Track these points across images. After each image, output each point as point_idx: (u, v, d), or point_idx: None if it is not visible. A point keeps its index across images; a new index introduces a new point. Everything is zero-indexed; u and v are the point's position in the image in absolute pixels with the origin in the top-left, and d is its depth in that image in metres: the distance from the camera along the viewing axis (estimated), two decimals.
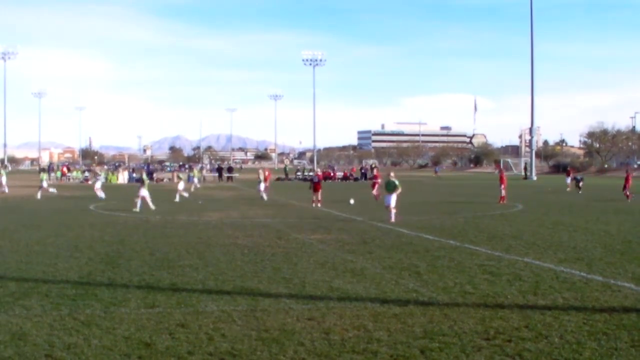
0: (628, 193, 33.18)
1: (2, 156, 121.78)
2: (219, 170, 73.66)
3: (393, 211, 21.99)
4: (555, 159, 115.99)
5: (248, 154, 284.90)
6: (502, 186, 32.14)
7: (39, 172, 48.92)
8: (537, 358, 6.96)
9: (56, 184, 59.77)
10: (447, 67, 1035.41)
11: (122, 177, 68.49)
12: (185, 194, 36.17)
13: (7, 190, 37.01)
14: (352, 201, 30.87)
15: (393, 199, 22.11)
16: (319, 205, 29.23)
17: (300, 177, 71.85)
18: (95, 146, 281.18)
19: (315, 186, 30.72)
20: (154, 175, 69.71)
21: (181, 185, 37.05)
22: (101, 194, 33.78)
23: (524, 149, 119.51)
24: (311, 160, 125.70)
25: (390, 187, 22.54)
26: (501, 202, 31.16)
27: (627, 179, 33.89)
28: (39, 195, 35.74)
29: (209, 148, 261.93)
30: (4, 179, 40.18)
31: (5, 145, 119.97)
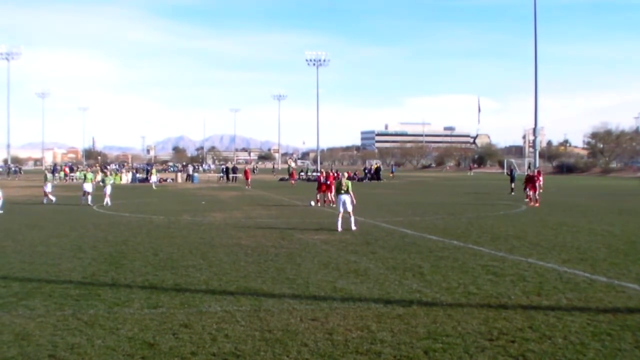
0: (528, 194, 32.52)
1: (5, 156, 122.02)
2: (226, 170, 73.65)
3: (352, 218, 19.70)
4: (559, 160, 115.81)
5: (251, 154, 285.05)
6: (532, 187, 31.02)
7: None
8: (540, 359, 6.95)
9: (60, 184, 59.98)
10: (451, 68, 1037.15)
11: (126, 178, 68.73)
12: (53, 198, 33.50)
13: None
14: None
15: (348, 202, 19.61)
16: (331, 205, 29.27)
17: (304, 177, 71.83)
18: (99, 146, 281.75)
19: (322, 187, 30.77)
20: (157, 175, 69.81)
21: (48, 188, 34.42)
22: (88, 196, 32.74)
23: (527, 149, 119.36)
24: (315, 161, 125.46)
25: (343, 189, 19.91)
26: (532, 204, 30.05)
27: (527, 180, 33.11)
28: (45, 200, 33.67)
29: (212, 148, 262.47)
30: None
31: (8, 146, 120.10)
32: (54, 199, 33.26)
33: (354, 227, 19.31)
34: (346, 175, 22.84)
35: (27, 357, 7.07)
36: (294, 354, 7.14)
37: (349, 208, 19.57)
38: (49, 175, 35.18)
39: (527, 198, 32.14)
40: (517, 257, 13.84)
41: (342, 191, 19.84)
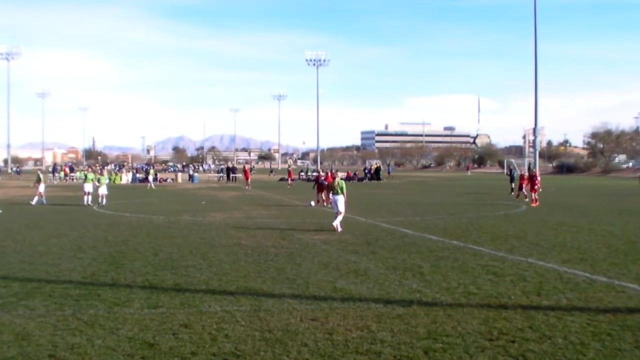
0: (519, 193, 33.57)
1: (5, 156, 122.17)
2: (227, 170, 73.91)
3: (340, 216, 19.55)
4: (559, 160, 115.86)
5: (252, 154, 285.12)
6: (534, 188, 30.88)
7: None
8: (540, 359, 6.94)
9: (60, 184, 60.01)
10: (451, 68, 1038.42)
11: (126, 178, 68.76)
12: (35, 200, 32.53)
13: None
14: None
15: (341, 202, 19.63)
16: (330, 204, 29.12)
17: (304, 177, 71.85)
18: (99, 146, 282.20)
19: (320, 187, 30.73)
20: (157, 175, 69.84)
21: (42, 187, 33.47)
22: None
23: (527, 149, 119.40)
24: (315, 161, 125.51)
25: (336, 189, 19.99)
26: (533, 204, 29.80)
27: (521, 178, 34.08)
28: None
29: (212, 148, 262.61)
30: None
31: (9, 146, 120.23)
32: (36, 200, 32.35)
33: (336, 224, 19.24)
34: (340, 175, 22.31)
35: (27, 357, 7.07)
36: (294, 354, 7.14)
37: (341, 208, 19.56)
38: (42, 176, 34.77)
39: (525, 197, 32.61)
40: (517, 257, 13.83)
41: (336, 192, 19.88)
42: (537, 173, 33.42)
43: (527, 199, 32.22)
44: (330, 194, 20.59)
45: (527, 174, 33.60)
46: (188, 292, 10.34)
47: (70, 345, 7.42)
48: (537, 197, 30.68)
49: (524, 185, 33.15)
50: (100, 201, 31.70)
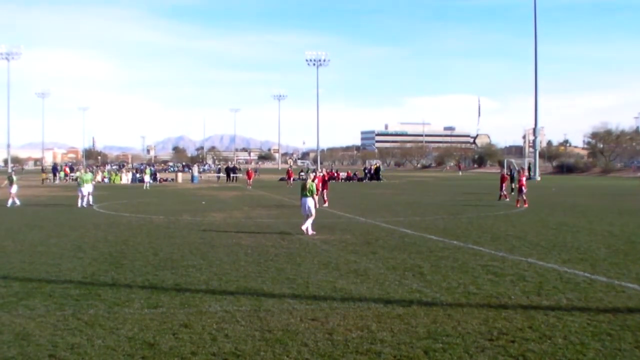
0: (503, 193, 34.63)
1: (5, 156, 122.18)
2: (226, 170, 74.16)
3: (310, 220, 18.66)
4: (559, 160, 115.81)
5: (252, 154, 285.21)
6: (523, 188, 30.67)
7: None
8: (540, 359, 6.94)
9: (60, 184, 60.03)
10: (451, 68, 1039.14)
11: (126, 178, 68.75)
12: (17, 202, 31.36)
13: None
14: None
15: (311, 206, 18.78)
16: (325, 205, 29.15)
17: (304, 177, 71.85)
18: (99, 146, 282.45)
19: (324, 186, 30.72)
20: (157, 175, 69.84)
21: (14, 189, 32.32)
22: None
23: (527, 149, 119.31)
24: (315, 161, 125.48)
25: (307, 192, 18.97)
26: (522, 205, 29.49)
27: (502, 179, 35.49)
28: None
29: (212, 148, 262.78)
30: None
31: (9, 146, 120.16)
32: (18, 202, 31.31)
33: (310, 232, 18.28)
34: (312, 177, 21.23)
35: (27, 357, 7.07)
36: (294, 354, 7.14)
37: (312, 212, 18.76)
38: (15, 177, 33.96)
39: (503, 197, 34.08)
40: (517, 257, 13.83)
41: (305, 194, 18.89)
42: (523, 174, 33.46)
43: (507, 199, 33.40)
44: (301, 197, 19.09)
45: (507, 173, 34.93)
46: (188, 292, 10.34)
47: (70, 345, 7.42)
48: (524, 197, 30.38)
49: (504, 185, 34.71)
50: (81, 201, 30.64)
